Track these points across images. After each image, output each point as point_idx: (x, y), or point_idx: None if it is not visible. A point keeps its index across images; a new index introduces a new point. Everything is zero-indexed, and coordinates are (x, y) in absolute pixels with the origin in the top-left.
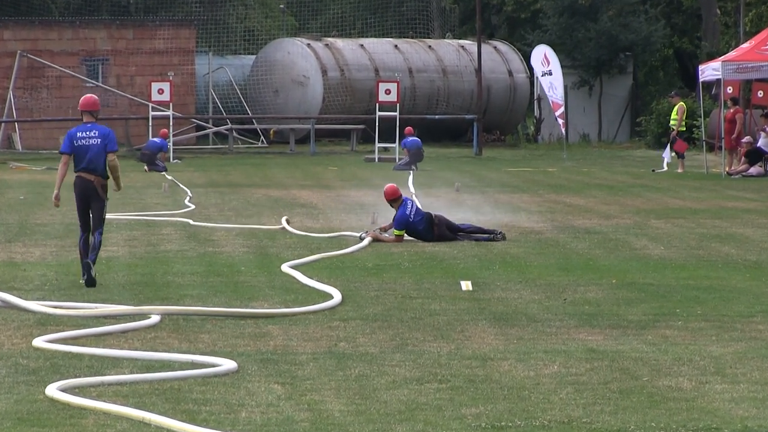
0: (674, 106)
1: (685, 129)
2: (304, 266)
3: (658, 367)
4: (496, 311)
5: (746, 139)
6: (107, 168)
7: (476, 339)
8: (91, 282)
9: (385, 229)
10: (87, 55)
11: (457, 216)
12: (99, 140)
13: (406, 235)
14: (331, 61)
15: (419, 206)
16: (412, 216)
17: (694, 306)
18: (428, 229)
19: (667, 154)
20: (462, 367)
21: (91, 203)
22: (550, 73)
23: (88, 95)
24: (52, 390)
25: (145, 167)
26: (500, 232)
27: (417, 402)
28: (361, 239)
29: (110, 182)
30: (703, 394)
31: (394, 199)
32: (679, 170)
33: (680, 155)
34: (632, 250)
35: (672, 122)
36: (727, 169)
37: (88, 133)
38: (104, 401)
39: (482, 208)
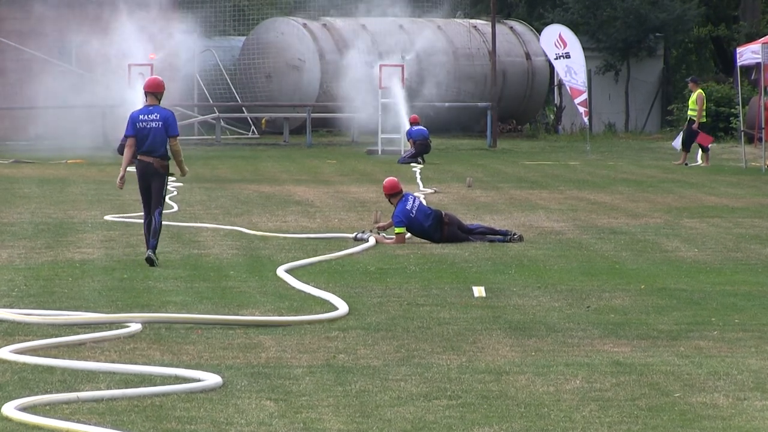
0: (693, 93)
1: (706, 119)
2: (300, 270)
3: (691, 381)
4: (512, 320)
5: None
6: (169, 151)
7: (490, 351)
8: (151, 262)
9: (384, 228)
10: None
11: (468, 215)
12: (160, 123)
13: (411, 235)
14: (330, 42)
15: (424, 202)
16: (414, 211)
17: (731, 314)
18: (436, 226)
19: (678, 143)
20: (474, 382)
21: (151, 184)
22: (568, 56)
23: (154, 76)
24: (10, 409)
25: None
26: (516, 233)
27: (424, 420)
28: (356, 240)
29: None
30: (741, 412)
31: (394, 193)
32: (704, 164)
33: (705, 149)
34: (663, 252)
35: (691, 112)
36: (767, 162)
37: (149, 116)
38: (76, 420)
39: (496, 206)
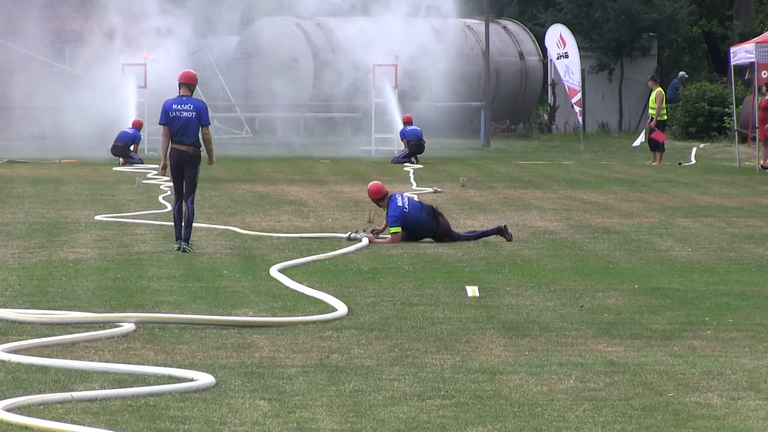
0: (653, 92)
1: (666, 118)
2: (294, 270)
3: (685, 381)
4: (505, 320)
5: None
6: (201, 140)
7: (484, 350)
8: (186, 251)
9: (379, 232)
10: (54, 36)
11: (462, 215)
12: (193, 113)
13: (409, 234)
14: (323, 42)
15: (415, 197)
16: (406, 206)
17: (725, 314)
18: (431, 217)
19: (639, 140)
20: (468, 382)
21: (184, 171)
22: (566, 56)
23: (188, 69)
24: None
25: (121, 160)
26: (506, 227)
27: (418, 420)
28: (350, 240)
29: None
30: (735, 411)
31: (380, 198)
32: (654, 163)
33: (660, 147)
34: (656, 252)
35: (652, 111)
36: (761, 162)
37: (182, 105)
38: (67, 421)
39: (490, 206)
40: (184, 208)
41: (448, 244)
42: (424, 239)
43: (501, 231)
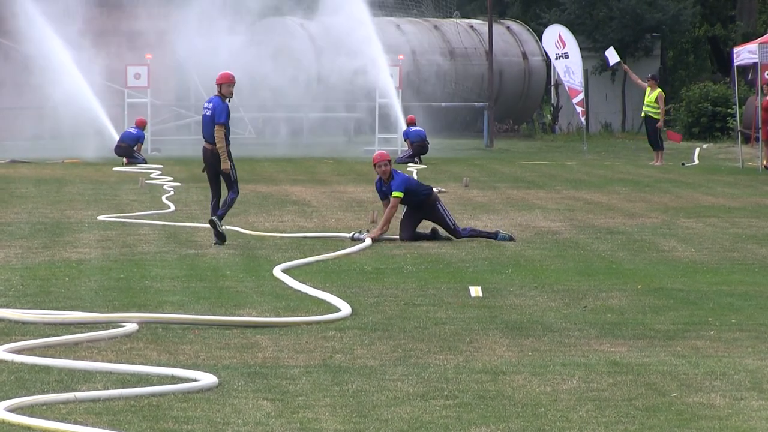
0: (653, 92)
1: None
2: (297, 270)
3: (688, 381)
4: (508, 320)
5: None
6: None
7: (487, 351)
8: (220, 237)
9: (378, 234)
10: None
11: (465, 215)
12: (211, 112)
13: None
14: (327, 42)
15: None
16: (413, 177)
17: (728, 314)
18: (428, 194)
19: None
20: (471, 382)
21: (216, 169)
22: (566, 56)
23: (225, 71)
24: (1, 410)
25: (124, 160)
26: (497, 233)
27: (421, 420)
28: (353, 240)
29: None
30: (738, 412)
31: (387, 160)
32: (657, 163)
33: (659, 145)
34: (660, 252)
35: (647, 109)
36: (764, 162)
37: (208, 105)
38: (70, 421)
39: (493, 206)
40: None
41: (451, 243)
42: (421, 239)
43: (494, 237)
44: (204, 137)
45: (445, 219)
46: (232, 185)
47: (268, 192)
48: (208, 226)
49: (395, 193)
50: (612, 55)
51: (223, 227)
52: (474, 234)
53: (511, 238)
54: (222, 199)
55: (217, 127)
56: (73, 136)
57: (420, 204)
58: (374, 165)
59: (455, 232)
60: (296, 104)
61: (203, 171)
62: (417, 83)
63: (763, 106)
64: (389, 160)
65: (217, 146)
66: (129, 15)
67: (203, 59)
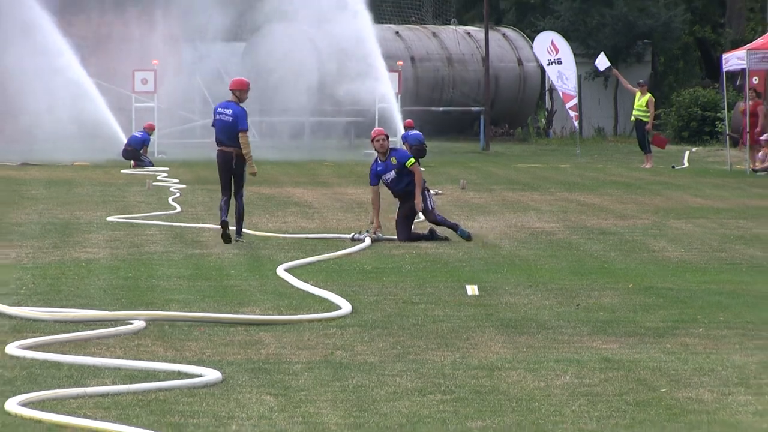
0: (643, 96)
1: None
2: (300, 269)
3: (677, 377)
4: (504, 318)
5: (765, 136)
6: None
7: (483, 347)
8: (227, 238)
9: (375, 231)
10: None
11: (462, 216)
12: (231, 118)
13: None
14: (329, 48)
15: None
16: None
17: (716, 312)
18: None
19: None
20: (467, 378)
21: (231, 171)
22: (559, 62)
23: (239, 77)
24: (12, 404)
25: (132, 163)
26: (457, 227)
27: (419, 414)
28: (353, 240)
29: None
30: (725, 406)
31: (386, 136)
32: (647, 165)
33: (647, 148)
34: (650, 252)
35: (636, 112)
36: (752, 165)
37: (224, 110)
38: (80, 416)
39: (489, 207)
40: (234, 206)
41: (448, 244)
42: (419, 240)
43: (455, 229)
44: (220, 141)
45: (427, 200)
46: (242, 185)
47: (271, 194)
48: (218, 226)
49: (410, 161)
50: (602, 62)
51: (239, 239)
52: (443, 222)
53: (469, 237)
54: (232, 206)
55: (242, 134)
56: (82, 139)
57: (409, 185)
58: (372, 140)
59: (430, 213)
60: (298, 108)
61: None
62: (416, 88)
63: (751, 111)
64: (387, 136)
65: (244, 152)
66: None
67: (209, 64)
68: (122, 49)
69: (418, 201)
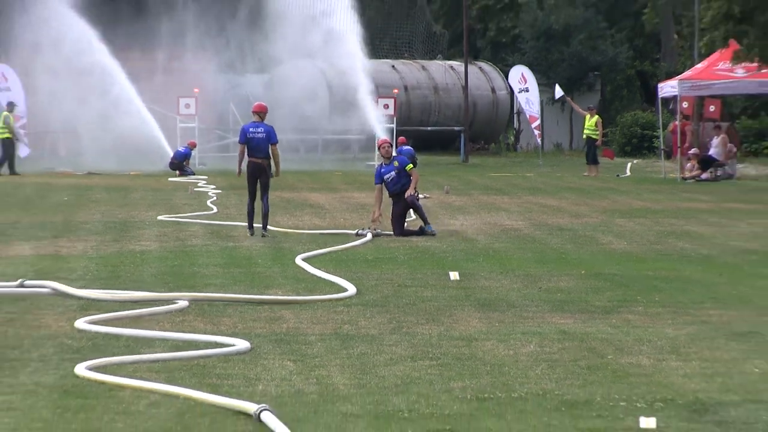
0: (592, 118)
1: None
2: (314, 258)
3: (621, 346)
4: (480, 298)
5: (693, 150)
6: (270, 154)
7: (463, 322)
8: (253, 229)
9: (374, 222)
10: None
11: (446, 215)
12: (264, 135)
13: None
14: (337, 79)
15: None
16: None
17: (652, 294)
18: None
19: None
20: (450, 347)
21: (259, 178)
22: (527, 90)
23: (260, 102)
24: (82, 369)
25: (177, 172)
26: (428, 225)
27: (411, 377)
28: (358, 235)
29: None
30: (660, 370)
31: (389, 143)
32: (592, 174)
33: (595, 160)
34: (599, 245)
35: (587, 131)
36: (681, 174)
37: (256, 129)
38: (136, 378)
39: (468, 209)
40: (261, 207)
41: (435, 239)
42: (410, 235)
43: (425, 224)
44: (254, 154)
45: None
46: (268, 189)
47: (290, 197)
48: (244, 224)
49: (409, 165)
50: (557, 92)
51: (265, 234)
52: (421, 216)
53: (433, 233)
54: (260, 208)
55: (273, 147)
56: (136, 153)
57: (404, 186)
58: (379, 147)
59: (416, 207)
60: (312, 128)
61: (238, 175)
62: (408, 112)
63: (682, 130)
64: (390, 143)
65: (278, 160)
66: (182, 56)
67: (240, 92)
68: (169, 80)
69: (410, 191)
